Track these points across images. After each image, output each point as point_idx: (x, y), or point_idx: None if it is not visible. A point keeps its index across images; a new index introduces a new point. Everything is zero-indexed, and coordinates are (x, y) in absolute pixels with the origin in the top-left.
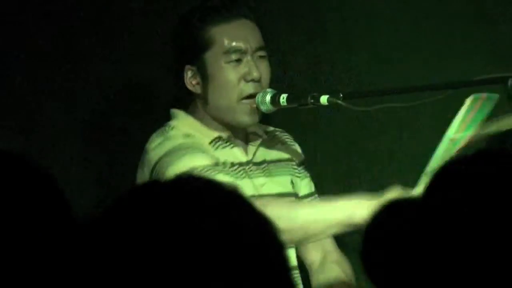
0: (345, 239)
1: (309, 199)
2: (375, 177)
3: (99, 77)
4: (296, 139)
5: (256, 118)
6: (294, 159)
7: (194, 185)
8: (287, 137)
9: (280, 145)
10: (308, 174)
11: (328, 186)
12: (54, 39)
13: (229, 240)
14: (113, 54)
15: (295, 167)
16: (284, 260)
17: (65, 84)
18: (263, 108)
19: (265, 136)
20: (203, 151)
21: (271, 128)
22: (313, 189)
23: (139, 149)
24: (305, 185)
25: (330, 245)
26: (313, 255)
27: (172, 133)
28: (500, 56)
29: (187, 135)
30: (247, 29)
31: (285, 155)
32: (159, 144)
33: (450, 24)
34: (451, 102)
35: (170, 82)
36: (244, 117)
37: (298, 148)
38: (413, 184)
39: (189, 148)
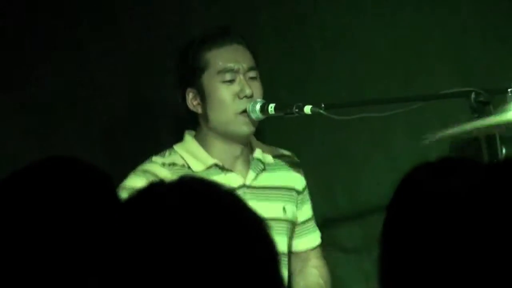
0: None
1: (306, 224)
2: (352, 177)
3: (113, 93)
4: (282, 146)
5: (252, 128)
6: (295, 187)
7: (196, 185)
8: (293, 164)
9: (282, 172)
10: (308, 200)
11: (312, 184)
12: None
13: (227, 232)
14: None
15: (293, 194)
16: (274, 252)
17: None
18: (253, 116)
19: (270, 162)
20: (151, 178)
21: (280, 153)
22: (310, 215)
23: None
24: (304, 212)
25: (312, 254)
26: (294, 264)
27: (157, 158)
28: (465, 73)
29: (170, 164)
30: (239, 52)
31: (285, 183)
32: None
33: (422, 44)
34: (421, 112)
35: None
36: (242, 128)
37: (301, 175)
38: (385, 183)
39: (138, 172)
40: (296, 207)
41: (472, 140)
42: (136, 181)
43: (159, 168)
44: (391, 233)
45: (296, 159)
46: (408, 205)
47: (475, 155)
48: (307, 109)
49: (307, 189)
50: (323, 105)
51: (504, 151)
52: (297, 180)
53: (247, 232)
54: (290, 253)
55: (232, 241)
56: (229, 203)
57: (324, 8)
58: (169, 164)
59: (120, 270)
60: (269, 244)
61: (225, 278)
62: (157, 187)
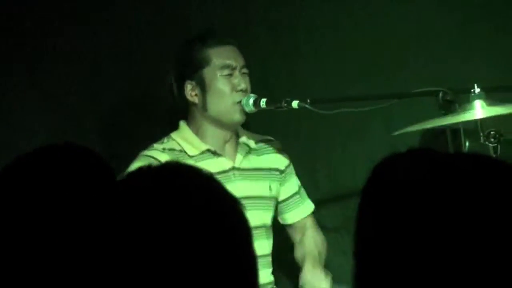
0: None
1: (289, 200)
2: (333, 165)
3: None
4: (271, 135)
5: (244, 117)
6: (278, 167)
7: (181, 169)
8: (274, 146)
9: (266, 155)
10: (292, 177)
11: (297, 170)
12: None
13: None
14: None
15: (277, 174)
16: (248, 228)
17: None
18: (247, 109)
19: (254, 146)
20: (153, 161)
21: (263, 138)
22: (296, 189)
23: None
24: (288, 188)
25: (307, 223)
26: (293, 235)
27: (157, 145)
28: (434, 74)
29: (169, 149)
30: (235, 52)
31: (269, 164)
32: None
33: (398, 48)
34: (395, 108)
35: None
36: (236, 115)
37: (284, 156)
38: (361, 170)
39: (142, 157)
40: (280, 184)
41: (439, 134)
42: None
43: (160, 154)
44: (365, 214)
45: (278, 142)
46: (380, 190)
47: (441, 147)
48: (295, 103)
49: (290, 168)
50: (308, 101)
51: (467, 144)
52: (280, 160)
53: (223, 209)
54: (272, 226)
55: (209, 216)
56: (208, 184)
57: (311, 12)
58: (169, 149)
59: (108, 248)
60: (244, 222)
61: (203, 250)
62: (144, 170)
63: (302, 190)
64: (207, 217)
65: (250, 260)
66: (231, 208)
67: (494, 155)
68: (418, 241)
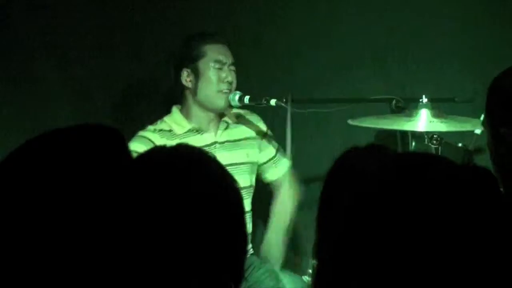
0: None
1: (269, 162)
2: (302, 154)
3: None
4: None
5: (226, 105)
6: (255, 136)
7: (190, 150)
8: (253, 118)
9: (244, 126)
10: (270, 143)
11: None
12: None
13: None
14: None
15: (255, 142)
16: (239, 197)
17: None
18: (233, 103)
19: (233, 121)
20: (147, 142)
21: (242, 112)
22: (273, 154)
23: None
24: (267, 152)
25: (283, 180)
26: (275, 191)
27: (150, 127)
28: (389, 84)
29: (160, 130)
30: (227, 51)
31: (246, 134)
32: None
33: (357, 61)
34: (352, 110)
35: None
36: (219, 102)
37: (261, 125)
38: (325, 160)
39: (138, 137)
40: (259, 150)
41: (390, 134)
42: (135, 146)
43: (152, 134)
44: (326, 196)
45: (255, 114)
46: (340, 177)
47: (392, 145)
48: (273, 102)
49: (267, 136)
50: (284, 100)
51: (413, 144)
52: (256, 129)
53: (219, 180)
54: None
55: (209, 186)
56: (210, 163)
57: (291, 19)
58: (159, 130)
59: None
60: (236, 191)
61: (207, 221)
62: (157, 151)
63: (280, 152)
64: (210, 193)
65: (240, 224)
66: (227, 180)
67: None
68: (372, 223)
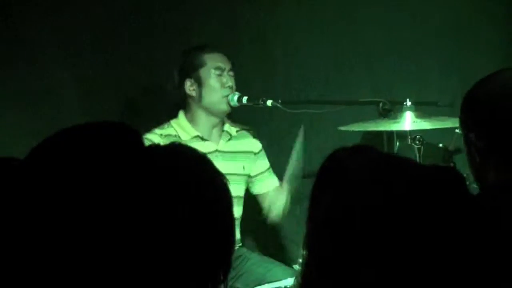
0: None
1: (259, 176)
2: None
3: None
4: (248, 125)
5: (229, 109)
6: (252, 150)
7: (183, 149)
8: (250, 134)
9: (243, 140)
10: (263, 158)
11: (266, 154)
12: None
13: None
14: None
15: (251, 156)
16: (229, 196)
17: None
18: (232, 103)
19: (234, 134)
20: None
21: (242, 127)
22: (265, 168)
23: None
24: (260, 166)
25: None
26: (263, 203)
27: (157, 130)
28: (376, 88)
29: (166, 135)
30: (225, 58)
31: (245, 148)
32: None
33: (345, 66)
34: (344, 112)
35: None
36: (224, 106)
37: (257, 142)
38: (316, 158)
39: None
40: (254, 163)
41: (377, 135)
42: None
43: (158, 138)
44: (317, 191)
45: (253, 131)
46: (330, 174)
47: (378, 145)
48: (269, 102)
49: (262, 152)
50: (280, 101)
51: (398, 144)
52: (254, 145)
53: (211, 180)
54: (246, 197)
55: (201, 185)
56: (202, 161)
57: (284, 28)
58: (165, 135)
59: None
60: (226, 191)
61: (198, 209)
62: (154, 149)
63: (270, 170)
64: (201, 185)
65: (230, 219)
66: (219, 180)
67: (417, 154)
68: (361, 218)
